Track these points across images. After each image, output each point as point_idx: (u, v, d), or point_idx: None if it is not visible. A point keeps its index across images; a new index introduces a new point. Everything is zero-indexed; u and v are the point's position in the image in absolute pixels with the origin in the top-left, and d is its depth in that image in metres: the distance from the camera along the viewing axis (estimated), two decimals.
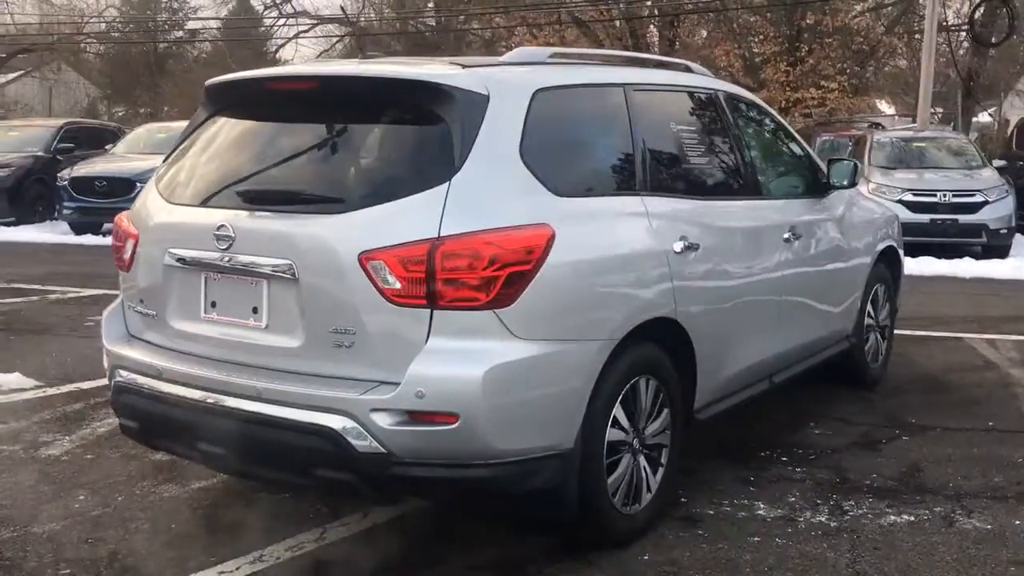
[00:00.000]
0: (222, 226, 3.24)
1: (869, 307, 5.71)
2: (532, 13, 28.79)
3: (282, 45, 34.15)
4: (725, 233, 4.09)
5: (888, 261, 5.93)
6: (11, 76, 41.89)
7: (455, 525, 3.81)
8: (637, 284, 3.49)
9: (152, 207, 3.59)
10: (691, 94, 4.38)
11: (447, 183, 3.03)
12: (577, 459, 3.25)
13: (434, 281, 2.93)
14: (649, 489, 3.70)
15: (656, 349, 3.68)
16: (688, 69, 4.58)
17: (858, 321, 5.54)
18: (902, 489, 4.23)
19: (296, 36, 31.15)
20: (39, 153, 16.24)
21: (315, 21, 31.39)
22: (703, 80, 4.52)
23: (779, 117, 5.20)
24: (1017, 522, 3.87)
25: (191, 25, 44.03)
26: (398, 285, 2.94)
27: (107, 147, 16.56)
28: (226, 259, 3.24)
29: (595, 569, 3.43)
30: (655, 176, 3.82)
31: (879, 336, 5.92)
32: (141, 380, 3.46)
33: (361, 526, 3.80)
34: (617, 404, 3.45)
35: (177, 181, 3.60)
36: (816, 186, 5.14)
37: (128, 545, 3.60)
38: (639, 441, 3.61)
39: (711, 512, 3.96)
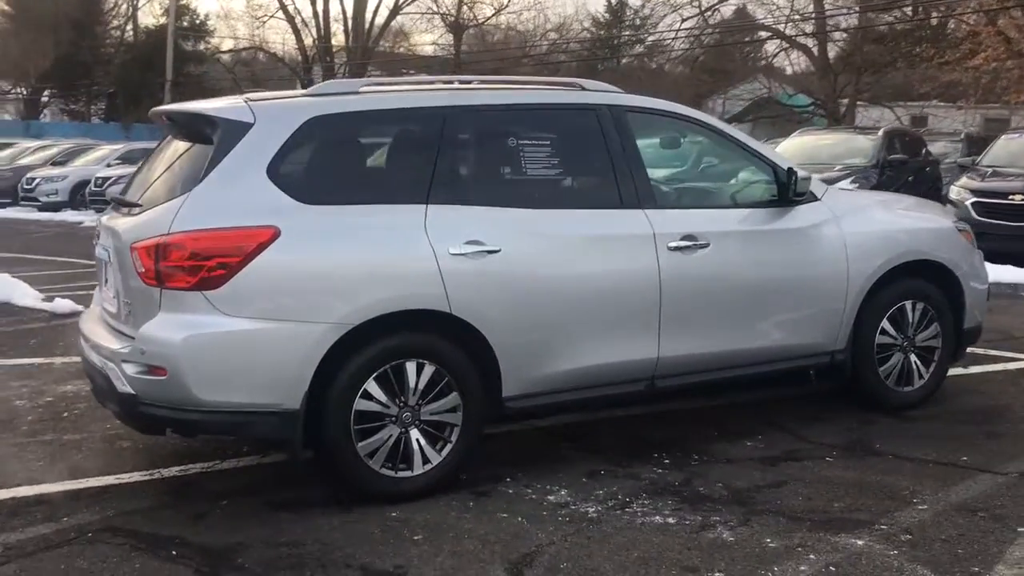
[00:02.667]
0: (99, 224, 4.50)
1: (887, 325, 5.38)
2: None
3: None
4: (548, 239, 4.41)
5: (929, 277, 5.50)
6: None
7: (295, 470, 4.66)
8: (385, 279, 4.08)
9: None
10: (552, 111, 4.73)
11: (188, 193, 3.98)
12: (301, 419, 3.99)
13: (160, 267, 3.89)
14: (427, 460, 4.25)
15: (435, 338, 4.24)
16: (582, 88, 4.90)
17: (855, 338, 5.27)
18: (716, 499, 4.25)
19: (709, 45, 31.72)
20: None
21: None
22: (581, 96, 4.80)
23: (731, 132, 5.16)
24: (767, 540, 3.79)
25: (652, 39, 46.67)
26: (143, 269, 3.95)
27: None
28: (98, 249, 4.50)
29: (348, 513, 4.09)
30: (455, 188, 4.34)
31: (912, 358, 5.50)
32: (82, 341, 4.80)
33: (248, 463, 4.82)
34: (371, 380, 4.10)
35: None
36: (774, 196, 5.07)
37: (90, 456, 4.98)
38: (411, 416, 4.20)
39: (510, 491, 4.37)
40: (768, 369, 5.13)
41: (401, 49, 40.89)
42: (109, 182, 20.89)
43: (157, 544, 3.85)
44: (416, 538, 3.88)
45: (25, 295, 9.33)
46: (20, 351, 7.31)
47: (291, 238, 3.96)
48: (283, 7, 37.91)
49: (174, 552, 3.77)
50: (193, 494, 4.44)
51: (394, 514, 4.11)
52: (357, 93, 4.41)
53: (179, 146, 4.47)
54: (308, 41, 38.48)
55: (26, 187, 24.02)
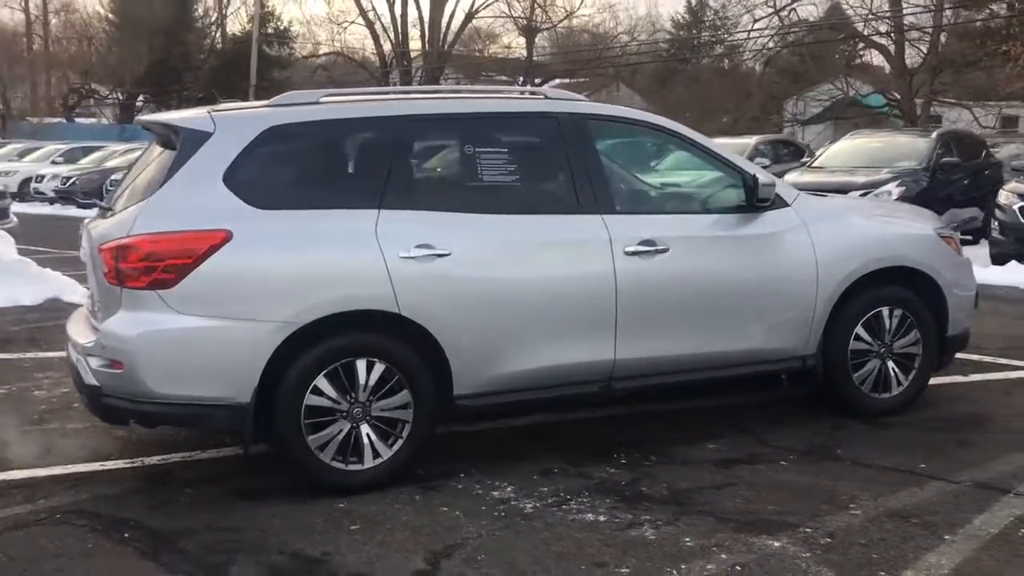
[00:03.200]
0: (82, 227, 4.81)
1: (861, 331, 5.37)
2: None
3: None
4: (500, 244, 4.57)
5: (908, 284, 5.48)
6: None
7: (257, 461, 4.86)
8: (332, 281, 4.28)
9: None
10: (511, 119, 4.87)
11: (149, 198, 4.25)
12: (251, 413, 4.21)
13: (120, 267, 4.16)
14: (378, 454, 4.44)
15: (385, 337, 4.43)
16: (545, 97, 5.03)
17: (828, 343, 5.28)
18: (655, 498, 4.34)
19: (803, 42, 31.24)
20: None
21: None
22: (541, 105, 4.93)
23: (698, 139, 5.20)
24: (687, 539, 3.88)
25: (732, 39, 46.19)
26: (107, 269, 4.23)
27: None
28: (81, 250, 4.81)
29: (300, 503, 4.29)
30: (409, 194, 4.52)
31: (890, 365, 5.48)
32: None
33: (228, 453, 5.06)
34: (321, 376, 4.31)
35: None
36: (741, 202, 5.12)
37: (86, 443, 5.29)
38: (362, 412, 4.39)
39: (460, 487, 4.53)
40: (733, 373, 5.18)
41: (489, 51, 41.17)
42: None
43: (113, 527, 4.12)
44: (353, 528, 4.07)
45: (75, 292, 9.83)
46: (52, 345, 7.72)
47: (243, 241, 4.19)
48: (363, 13, 38.80)
49: (126, 535, 4.04)
50: (167, 481, 4.71)
51: (341, 505, 4.31)
52: (317, 103, 4.63)
53: (154, 153, 4.75)
54: (387, 46, 39.25)
55: (109, 188, 25.06)
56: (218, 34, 47.38)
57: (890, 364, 5.49)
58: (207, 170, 4.28)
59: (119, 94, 48.72)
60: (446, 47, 37.72)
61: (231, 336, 4.17)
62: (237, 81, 39.36)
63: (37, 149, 31.17)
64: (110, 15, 48.70)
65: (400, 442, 4.49)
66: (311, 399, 4.31)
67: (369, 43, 40.49)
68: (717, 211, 5.16)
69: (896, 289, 5.47)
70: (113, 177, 25.45)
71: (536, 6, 36.75)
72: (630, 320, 4.81)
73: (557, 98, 5.05)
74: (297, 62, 43.03)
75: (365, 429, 4.42)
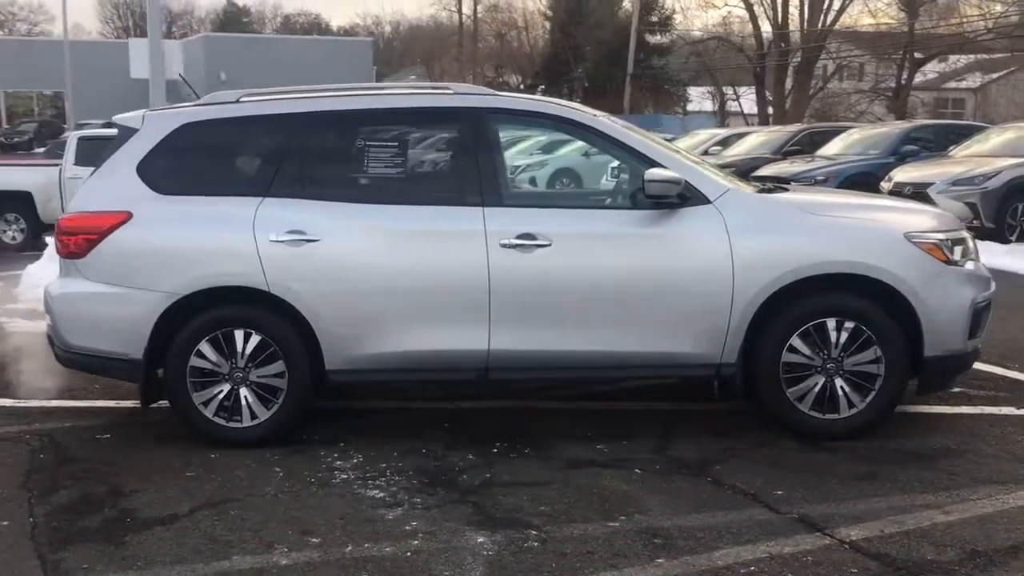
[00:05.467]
0: None
1: (798, 342, 4.90)
2: None
3: None
4: (371, 231, 4.86)
5: (865, 293, 4.88)
6: (995, 75, 42.65)
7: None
8: (208, 258, 4.88)
9: None
10: (405, 115, 5.09)
11: (84, 183, 5.14)
12: (143, 368, 4.96)
13: (57, 240, 5.10)
14: (255, 416, 4.99)
15: (260, 311, 4.95)
16: (454, 92, 5.16)
17: (752, 353, 4.90)
18: (455, 487, 4.46)
19: None
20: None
21: None
22: (439, 100, 5.09)
23: (614, 133, 4.99)
24: (412, 523, 4.03)
25: None
26: (55, 242, 5.21)
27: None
28: None
29: (189, 450, 4.95)
30: (293, 184, 4.96)
31: (840, 383, 4.92)
32: None
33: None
34: (204, 342, 4.95)
35: None
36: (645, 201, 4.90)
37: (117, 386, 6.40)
38: (241, 376, 4.97)
39: (321, 454, 4.93)
40: (631, 375, 5.02)
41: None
42: None
43: (45, 450, 5.07)
44: (188, 474, 4.67)
45: None
46: None
47: (140, 221, 4.94)
48: None
49: (42, 456, 4.98)
50: (133, 423, 5.60)
51: (213, 456, 4.91)
52: (236, 103, 5.23)
53: None
54: (767, 27, 38.29)
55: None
56: (607, 28, 49.30)
57: (839, 382, 4.93)
58: (126, 160, 5.09)
59: (522, 85, 52.54)
60: (826, 26, 35.86)
61: (123, 301, 4.95)
62: (615, 71, 40.74)
63: None
64: (548, 12, 52.80)
65: (277, 407, 4.99)
66: (195, 361, 4.96)
67: (749, 27, 39.77)
68: (619, 208, 5.00)
69: (845, 297, 4.90)
70: None
71: None
72: (505, 312, 4.87)
73: (462, 93, 5.19)
74: (675, 49, 43.43)
75: (244, 392, 4.99)
